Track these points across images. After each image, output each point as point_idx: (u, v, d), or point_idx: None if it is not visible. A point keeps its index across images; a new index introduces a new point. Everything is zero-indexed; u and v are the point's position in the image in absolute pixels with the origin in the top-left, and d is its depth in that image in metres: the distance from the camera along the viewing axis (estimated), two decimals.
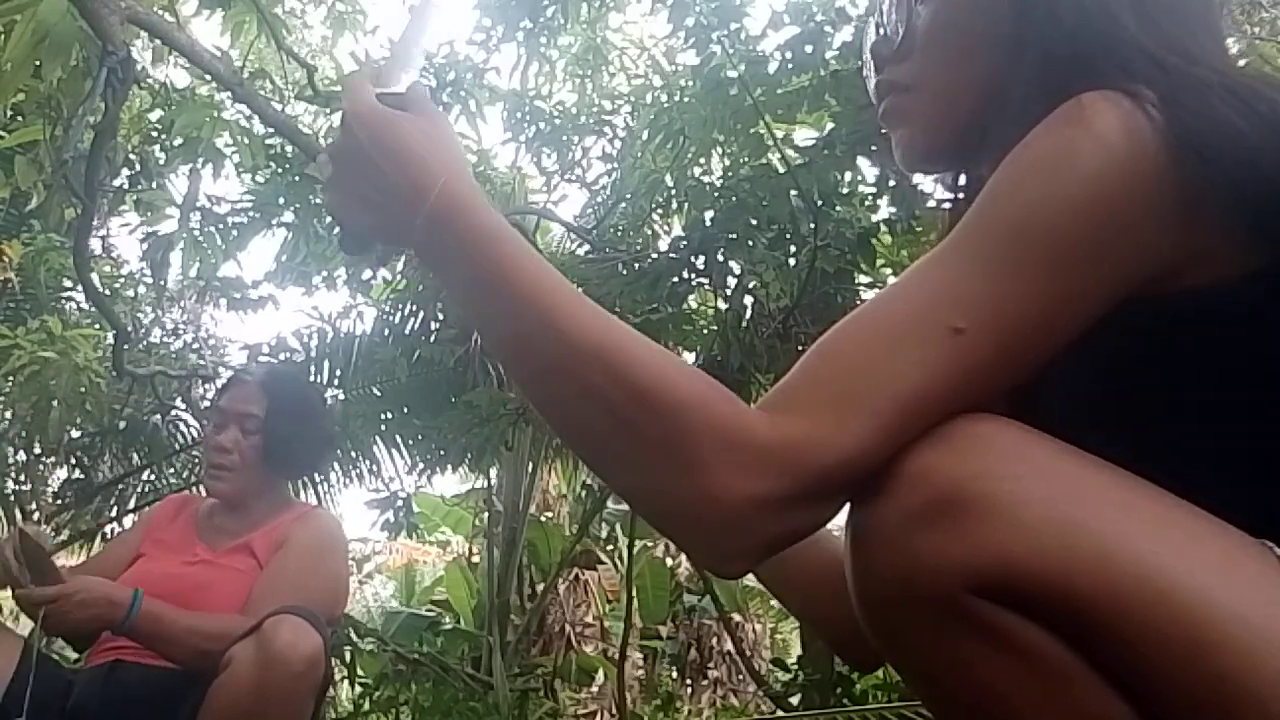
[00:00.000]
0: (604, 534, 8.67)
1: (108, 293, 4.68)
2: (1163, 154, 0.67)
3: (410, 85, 0.81)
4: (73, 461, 5.37)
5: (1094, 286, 0.69)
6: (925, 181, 2.14)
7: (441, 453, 5.11)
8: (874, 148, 3.07)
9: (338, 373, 5.17)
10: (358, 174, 0.76)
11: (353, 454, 5.41)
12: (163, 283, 4.88)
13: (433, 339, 4.83)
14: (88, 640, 2.02)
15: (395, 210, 0.75)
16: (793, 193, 3.13)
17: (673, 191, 4.03)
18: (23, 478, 5.38)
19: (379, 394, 5.08)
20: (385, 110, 0.77)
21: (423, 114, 0.78)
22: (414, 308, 5.07)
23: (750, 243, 3.28)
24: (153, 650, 1.93)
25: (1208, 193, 0.68)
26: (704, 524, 0.68)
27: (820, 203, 3.10)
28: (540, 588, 7.33)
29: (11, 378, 4.03)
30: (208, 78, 3.83)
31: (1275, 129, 0.69)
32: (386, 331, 5.19)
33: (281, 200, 4.23)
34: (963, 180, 0.93)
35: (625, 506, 6.68)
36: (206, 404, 4.59)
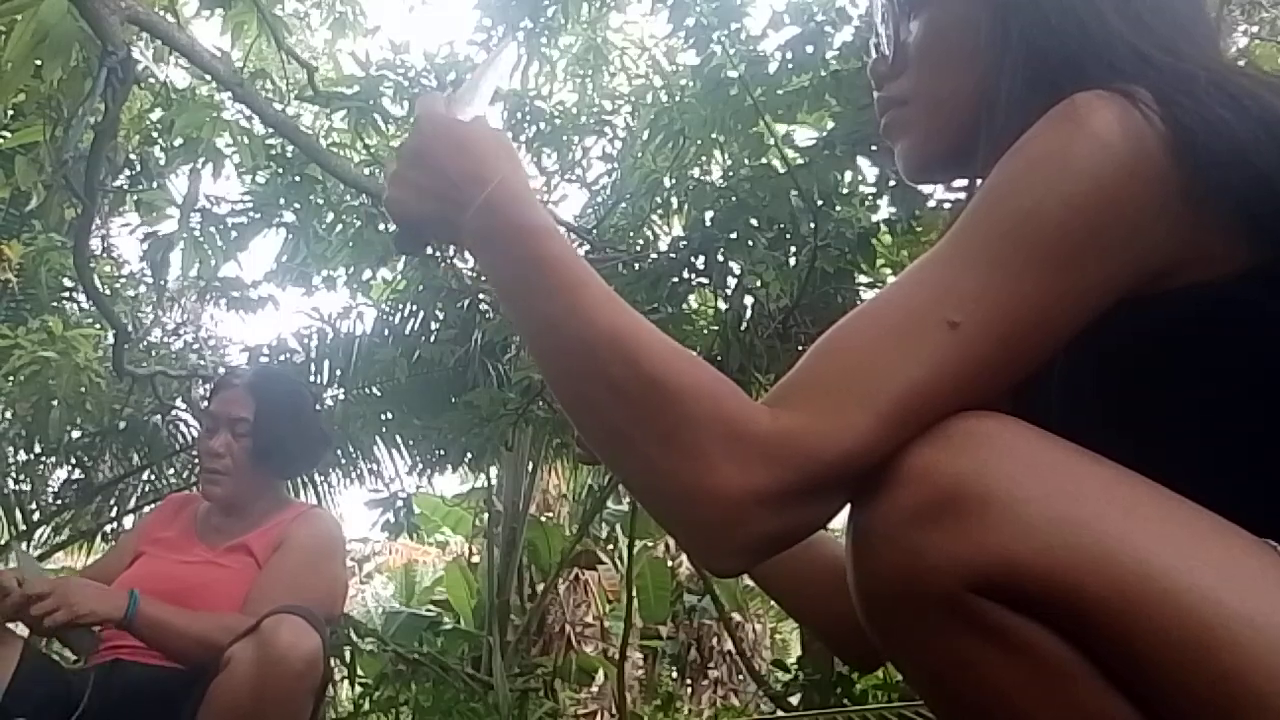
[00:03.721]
0: (604, 534, 8.68)
1: (108, 293, 4.68)
2: (1163, 153, 0.67)
3: (475, 117, 0.88)
4: (73, 461, 5.37)
5: (1091, 283, 0.68)
6: None
7: (441, 453, 5.11)
8: (874, 148, 3.06)
9: (338, 373, 5.18)
10: (421, 168, 0.82)
11: (353, 454, 5.42)
12: (163, 283, 4.88)
13: (433, 339, 4.83)
14: (90, 647, 2.02)
15: (454, 198, 0.80)
16: (793, 193, 3.13)
17: (673, 191, 4.03)
18: (23, 478, 5.38)
19: (379, 394, 5.08)
20: (452, 116, 0.86)
21: (486, 129, 0.86)
22: (414, 308, 5.06)
23: (750, 243, 3.27)
24: (155, 648, 1.93)
25: (1207, 191, 0.67)
26: (702, 516, 0.67)
27: (820, 203, 3.10)
28: (540, 588, 7.33)
29: (11, 378, 4.03)
30: (208, 78, 3.83)
31: (1265, 126, 0.68)
32: (386, 331, 5.20)
33: (281, 200, 4.23)
34: (963, 184, 0.93)
35: (625, 507, 6.69)
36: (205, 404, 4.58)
